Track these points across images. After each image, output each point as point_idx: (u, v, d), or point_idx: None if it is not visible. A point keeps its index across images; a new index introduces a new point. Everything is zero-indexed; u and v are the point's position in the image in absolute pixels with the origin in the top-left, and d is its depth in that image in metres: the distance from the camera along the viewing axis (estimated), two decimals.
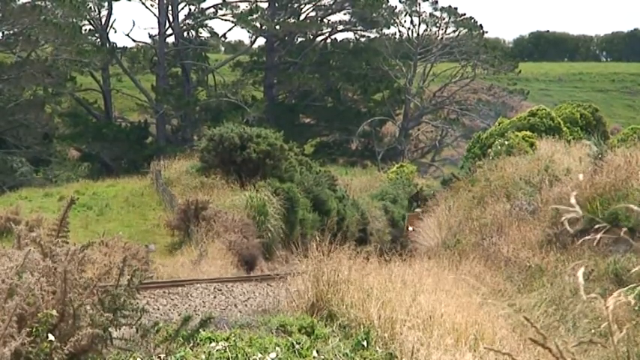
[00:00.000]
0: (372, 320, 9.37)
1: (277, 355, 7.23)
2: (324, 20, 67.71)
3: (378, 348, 8.48)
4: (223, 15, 62.21)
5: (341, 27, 68.10)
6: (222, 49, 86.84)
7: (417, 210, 35.90)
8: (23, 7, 47.81)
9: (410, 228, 34.66)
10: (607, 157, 18.66)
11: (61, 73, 52.74)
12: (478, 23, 70.64)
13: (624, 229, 12.96)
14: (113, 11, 61.26)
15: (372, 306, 9.71)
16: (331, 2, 66.17)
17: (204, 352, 7.06)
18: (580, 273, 2.86)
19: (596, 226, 3.55)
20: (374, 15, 65.82)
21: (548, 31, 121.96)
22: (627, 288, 3.71)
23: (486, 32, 73.89)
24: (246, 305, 15.22)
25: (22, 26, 48.28)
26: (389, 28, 69.68)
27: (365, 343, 8.31)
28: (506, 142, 28.15)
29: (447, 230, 23.58)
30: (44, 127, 51.98)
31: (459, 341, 8.46)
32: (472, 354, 7.71)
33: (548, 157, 23.64)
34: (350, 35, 70.55)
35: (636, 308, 9.50)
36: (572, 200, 2.93)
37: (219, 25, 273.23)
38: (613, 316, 2.97)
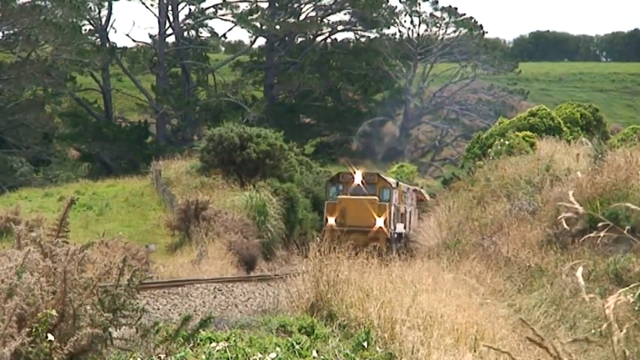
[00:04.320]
0: (371, 320, 9.37)
1: (277, 355, 7.22)
2: (324, 20, 67.72)
3: (378, 348, 8.48)
4: (223, 15, 62.28)
5: (341, 27, 68.11)
6: (223, 49, 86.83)
7: (343, 196, 26.92)
8: (23, 7, 47.82)
9: (331, 220, 26.52)
10: (607, 157, 18.66)
11: (61, 73, 52.75)
12: (478, 23, 70.73)
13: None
14: (113, 11, 61.48)
15: (371, 306, 9.71)
16: (331, 2, 66.16)
17: (205, 352, 7.06)
18: (579, 273, 2.85)
19: (600, 224, 3.54)
20: (374, 15, 65.81)
21: (548, 31, 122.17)
22: (628, 288, 3.71)
23: (486, 32, 73.99)
24: (246, 305, 15.23)
25: (22, 26, 48.30)
26: (389, 28, 69.75)
27: (365, 344, 8.32)
28: (507, 142, 28.14)
29: (447, 230, 23.57)
30: (44, 127, 52.00)
31: (459, 341, 8.46)
32: (472, 354, 7.71)
33: (549, 157, 23.63)
34: (350, 35, 70.66)
35: (636, 308, 9.50)
36: (571, 197, 2.93)
37: (219, 25, 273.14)
38: (613, 316, 2.97)
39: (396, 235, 27.89)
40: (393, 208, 27.41)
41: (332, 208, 26.89)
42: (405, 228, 29.45)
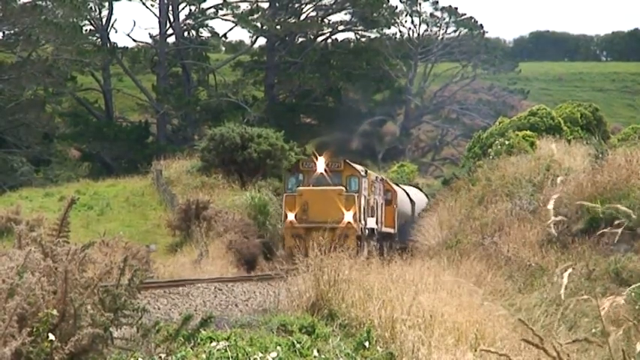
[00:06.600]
0: (372, 319, 9.38)
1: (278, 355, 7.23)
2: (325, 20, 67.66)
3: (378, 347, 8.48)
4: (224, 15, 62.23)
5: (342, 27, 68.04)
6: (223, 48, 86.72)
7: (304, 188, 23.20)
8: (24, 7, 47.82)
9: (291, 216, 22.95)
10: (608, 156, 18.67)
11: (62, 73, 52.70)
12: (478, 23, 70.84)
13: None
14: (114, 11, 61.34)
15: (372, 305, 9.72)
16: (332, 2, 66.11)
17: (205, 351, 7.06)
18: (565, 274, 2.86)
19: (617, 222, 3.55)
20: (374, 15, 65.75)
21: (548, 30, 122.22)
22: (630, 289, 3.71)
23: (486, 32, 74.13)
24: (246, 305, 15.22)
25: (23, 26, 48.28)
26: (389, 28, 69.67)
27: (366, 343, 8.32)
28: (507, 142, 28.13)
29: (448, 229, 23.57)
30: (45, 127, 52.00)
31: (460, 341, 8.46)
32: (473, 353, 7.71)
33: (549, 157, 23.65)
34: (350, 35, 70.55)
35: (636, 307, 9.51)
36: (550, 208, 2.94)
37: (219, 25, 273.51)
38: (613, 316, 2.97)
39: (367, 232, 24.16)
40: (362, 199, 23.59)
41: (291, 201, 23.21)
42: (377, 223, 25.59)
